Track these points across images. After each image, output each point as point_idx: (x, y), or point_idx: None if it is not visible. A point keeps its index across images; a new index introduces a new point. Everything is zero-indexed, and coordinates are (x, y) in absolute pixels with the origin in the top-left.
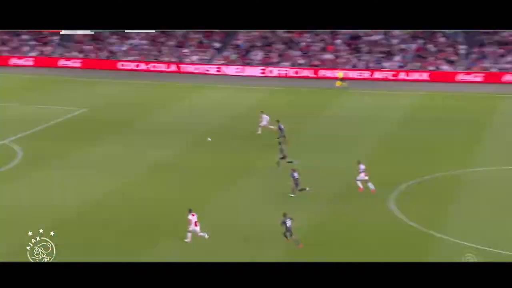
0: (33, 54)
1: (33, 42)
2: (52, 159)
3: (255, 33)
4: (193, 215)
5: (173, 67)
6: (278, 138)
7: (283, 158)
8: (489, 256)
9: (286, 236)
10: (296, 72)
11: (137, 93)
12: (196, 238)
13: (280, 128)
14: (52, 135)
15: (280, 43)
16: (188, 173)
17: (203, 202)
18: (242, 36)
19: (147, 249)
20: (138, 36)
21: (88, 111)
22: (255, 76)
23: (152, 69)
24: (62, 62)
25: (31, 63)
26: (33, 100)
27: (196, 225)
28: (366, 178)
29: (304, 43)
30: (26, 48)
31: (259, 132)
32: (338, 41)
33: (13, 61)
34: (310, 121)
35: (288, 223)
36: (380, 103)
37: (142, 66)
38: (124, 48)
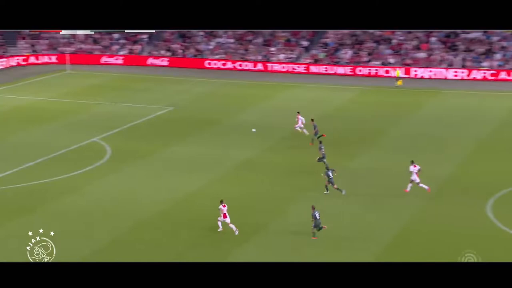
0: (123, 52)
1: (123, 41)
2: (139, 157)
3: (345, 31)
4: (224, 206)
5: (259, 66)
6: (318, 137)
7: (322, 158)
8: None
9: (318, 229)
10: (387, 72)
11: (223, 92)
12: (280, 236)
13: (314, 127)
14: (139, 133)
15: (371, 41)
16: (272, 172)
17: (288, 202)
18: (331, 34)
19: (236, 248)
20: (225, 34)
21: (174, 109)
22: (343, 75)
23: (238, 67)
24: (150, 61)
25: (121, 61)
26: (121, 98)
27: (225, 217)
28: (418, 180)
29: (395, 41)
30: (116, 47)
31: (297, 131)
32: (433, 39)
33: (104, 59)
34: (402, 121)
35: (317, 215)
36: (477, 104)
37: (229, 64)
38: (211, 47)
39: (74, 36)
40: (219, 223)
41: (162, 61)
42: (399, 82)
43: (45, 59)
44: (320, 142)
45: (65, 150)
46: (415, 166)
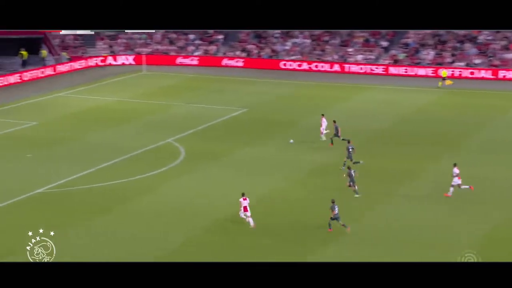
0: (198, 53)
1: (199, 42)
2: (213, 158)
3: (427, 31)
4: (244, 199)
5: (336, 67)
6: (343, 139)
7: (349, 159)
8: None
9: (331, 220)
10: (472, 73)
11: (298, 94)
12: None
13: (336, 129)
14: (213, 134)
15: (455, 41)
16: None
17: (363, 209)
18: (412, 34)
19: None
20: (302, 35)
21: (248, 111)
22: (424, 76)
23: (314, 69)
24: (225, 62)
25: (196, 62)
26: (196, 99)
27: (246, 210)
28: (459, 182)
29: (482, 41)
30: (192, 48)
31: (323, 138)
32: None
33: (179, 60)
34: (486, 124)
35: (336, 209)
36: None
37: (304, 65)
38: (286, 47)
39: (151, 37)
40: (243, 217)
41: (237, 62)
42: (448, 82)
43: (122, 60)
44: (348, 142)
45: (140, 150)
46: (457, 169)
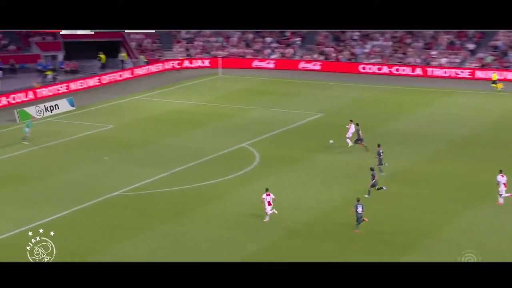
0: (275, 56)
1: (276, 44)
2: (288, 163)
3: None
4: (268, 194)
5: (418, 71)
6: (357, 142)
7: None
8: None
9: (358, 222)
10: None
11: (377, 98)
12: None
13: (358, 133)
14: (289, 139)
15: None
16: (428, 186)
17: (441, 223)
18: (502, 36)
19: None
20: (382, 37)
21: (325, 115)
22: None
23: (395, 72)
24: (302, 65)
25: (272, 65)
26: (272, 103)
27: (269, 204)
28: (504, 189)
29: None
30: (268, 51)
31: (349, 143)
32: None
33: (255, 63)
34: None
35: (359, 209)
36: None
37: (385, 69)
38: (366, 50)
39: (227, 39)
40: (268, 210)
41: (314, 65)
42: (499, 86)
43: (199, 63)
44: (379, 146)
45: (215, 154)
46: (502, 176)
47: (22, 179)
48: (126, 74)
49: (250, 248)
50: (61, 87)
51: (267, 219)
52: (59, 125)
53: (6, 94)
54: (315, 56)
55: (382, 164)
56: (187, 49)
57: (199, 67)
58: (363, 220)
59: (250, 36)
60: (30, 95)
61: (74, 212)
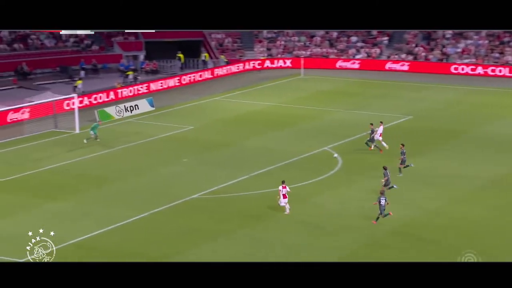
0: (360, 56)
1: (361, 44)
2: (371, 168)
3: None
4: (284, 187)
5: None
6: (368, 143)
7: (402, 164)
8: None
9: (384, 215)
10: None
11: (470, 101)
12: None
13: (372, 132)
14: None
15: None
16: None
17: None
18: None
19: None
20: (477, 36)
21: (413, 119)
22: None
23: (490, 73)
24: (389, 65)
25: (357, 66)
26: (356, 105)
27: (284, 197)
28: None
29: None
30: (353, 50)
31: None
32: None
33: (339, 63)
34: None
35: (382, 202)
36: None
37: (479, 70)
38: (458, 50)
39: (310, 39)
40: (283, 205)
41: (402, 65)
42: None
43: (280, 63)
44: (402, 145)
45: (295, 158)
46: None
47: (102, 180)
48: (206, 75)
49: (330, 255)
50: (141, 87)
51: (287, 211)
52: (138, 126)
53: (88, 94)
54: (403, 56)
55: (404, 165)
56: (268, 49)
57: (281, 67)
58: (388, 214)
59: (334, 35)
60: (111, 95)
61: (153, 214)
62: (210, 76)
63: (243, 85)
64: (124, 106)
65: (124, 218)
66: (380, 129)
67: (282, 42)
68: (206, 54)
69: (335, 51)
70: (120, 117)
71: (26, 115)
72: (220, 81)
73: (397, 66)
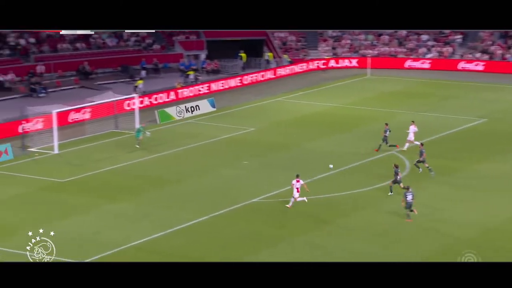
0: (431, 56)
1: (432, 43)
2: (443, 173)
3: None
4: (298, 181)
5: None
6: (389, 146)
7: (421, 162)
8: None
9: (410, 210)
10: None
11: None
12: None
13: (385, 132)
14: (444, 147)
15: None
16: None
17: None
18: None
19: None
20: None
21: (488, 121)
22: None
23: None
24: (462, 65)
25: (427, 65)
26: (426, 107)
27: (298, 191)
28: None
29: None
30: (423, 50)
31: (405, 148)
32: None
33: (408, 63)
34: None
35: (409, 197)
36: None
37: None
38: None
39: (378, 38)
40: (292, 200)
41: (476, 65)
42: None
43: (345, 63)
44: (422, 144)
45: (361, 161)
46: None
47: (162, 182)
48: (269, 75)
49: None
50: (202, 87)
51: (290, 204)
52: (199, 127)
53: (149, 94)
54: (478, 55)
55: (422, 162)
56: (333, 48)
57: (346, 67)
58: (412, 210)
59: (403, 33)
60: (172, 95)
61: (213, 218)
62: (273, 76)
63: (307, 86)
64: (185, 106)
65: (184, 221)
66: (412, 129)
67: (348, 41)
68: (270, 54)
69: (404, 50)
70: (181, 117)
71: (87, 115)
72: (283, 81)
73: (471, 66)
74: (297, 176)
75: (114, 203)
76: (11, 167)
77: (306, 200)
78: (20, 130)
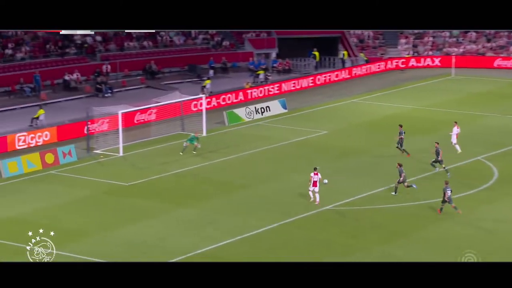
0: None
1: None
2: None
3: None
4: (315, 174)
5: None
6: (398, 147)
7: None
8: None
9: (443, 203)
10: None
11: None
12: None
13: (400, 134)
14: None
15: None
16: None
17: None
18: None
19: None
20: None
21: None
22: None
23: None
24: None
25: None
26: None
27: (315, 185)
28: None
29: None
30: None
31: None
32: None
33: (498, 62)
34: None
35: (448, 192)
36: None
37: None
38: None
39: (464, 35)
40: (310, 193)
41: None
42: None
43: (427, 62)
44: (437, 143)
45: (442, 168)
46: None
47: (229, 187)
48: (343, 74)
49: None
50: (272, 87)
51: (317, 201)
52: (269, 129)
53: (217, 95)
54: None
55: (438, 162)
56: (414, 46)
57: (428, 66)
58: (458, 211)
59: (492, 30)
60: (241, 96)
61: (282, 225)
62: (348, 76)
63: (384, 86)
64: (255, 107)
65: (251, 228)
66: (455, 130)
67: (430, 38)
68: (345, 52)
69: (493, 48)
70: (250, 119)
71: (153, 116)
72: (359, 81)
73: None
74: (315, 169)
75: (179, 208)
76: (75, 169)
77: (318, 199)
78: (85, 131)
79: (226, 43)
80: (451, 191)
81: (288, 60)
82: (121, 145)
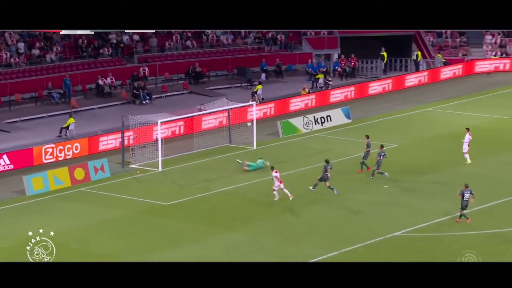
0: None
1: None
2: None
3: None
4: (275, 172)
5: None
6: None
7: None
8: None
9: (462, 209)
10: None
11: None
12: None
13: (367, 146)
14: None
15: None
16: None
17: None
18: None
19: None
20: None
21: None
22: None
23: None
24: None
25: None
26: None
27: (280, 182)
28: None
29: None
30: None
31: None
32: None
33: None
34: None
35: (466, 196)
36: None
37: None
38: None
39: None
40: (275, 193)
41: None
42: None
43: None
44: (382, 146)
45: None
46: None
47: (282, 207)
48: (417, 79)
49: None
50: (334, 93)
51: (290, 195)
52: (329, 142)
53: (269, 101)
54: None
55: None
56: (502, 46)
57: None
58: (467, 218)
59: None
60: (297, 103)
61: (344, 253)
62: (422, 81)
63: (466, 93)
64: (314, 117)
65: (307, 257)
66: (467, 138)
67: None
68: (419, 53)
69: None
70: (308, 130)
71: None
72: (435, 87)
73: None
74: (273, 168)
75: (224, 232)
76: (108, 186)
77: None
78: (120, 143)
79: (280, 40)
80: (471, 193)
81: (353, 56)
82: (160, 159)
